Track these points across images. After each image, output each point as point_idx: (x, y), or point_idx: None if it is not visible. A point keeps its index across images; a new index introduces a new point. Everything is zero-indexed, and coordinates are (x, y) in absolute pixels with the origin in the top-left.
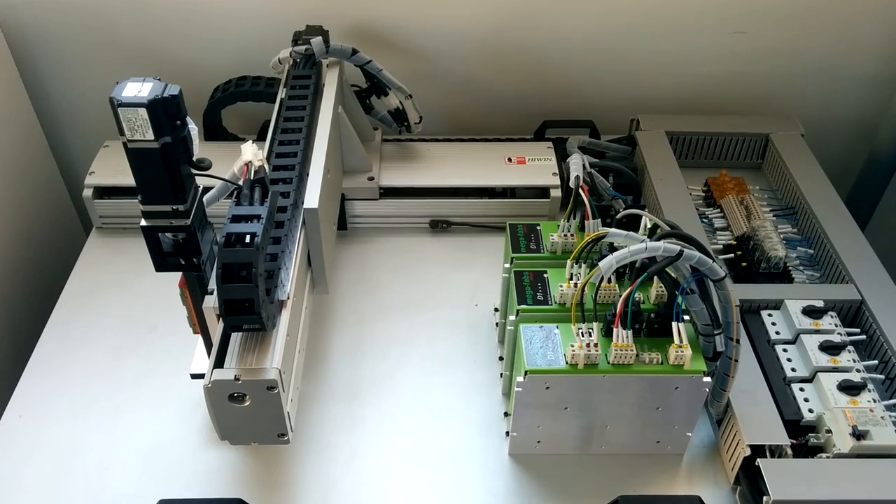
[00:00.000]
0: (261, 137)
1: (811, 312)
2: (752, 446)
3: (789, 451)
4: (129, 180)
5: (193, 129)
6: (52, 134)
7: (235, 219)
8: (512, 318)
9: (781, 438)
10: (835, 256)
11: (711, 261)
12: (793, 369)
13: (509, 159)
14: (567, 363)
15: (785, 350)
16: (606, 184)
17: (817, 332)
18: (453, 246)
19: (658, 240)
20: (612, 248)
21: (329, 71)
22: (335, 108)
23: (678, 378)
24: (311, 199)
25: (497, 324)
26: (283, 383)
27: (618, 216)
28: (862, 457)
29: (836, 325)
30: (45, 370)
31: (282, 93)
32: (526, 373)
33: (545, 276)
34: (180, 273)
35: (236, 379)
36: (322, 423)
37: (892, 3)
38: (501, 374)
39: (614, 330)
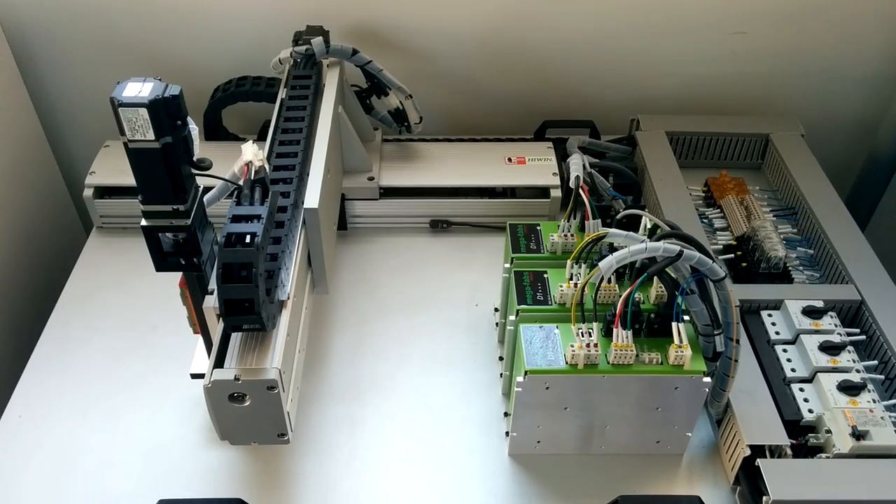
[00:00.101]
0: (261, 137)
1: (811, 313)
2: (751, 446)
3: (789, 452)
4: (129, 180)
5: (194, 129)
6: (52, 134)
7: (236, 219)
8: (512, 318)
9: (781, 438)
10: (835, 257)
11: (711, 261)
12: (793, 369)
13: (509, 159)
14: (567, 363)
15: (785, 350)
16: (606, 184)
17: (817, 332)
18: (453, 246)
19: (658, 240)
20: (612, 249)
21: (329, 71)
22: (335, 108)
23: (678, 378)
24: (312, 199)
25: (497, 324)
26: (283, 383)
27: (618, 216)
28: (862, 457)
29: (836, 326)
30: (45, 370)
31: (282, 93)
32: (526, 373)
33: (545, 276)
34: (180, 273)
35: (236, 379)
36: (322, 423)
37: (892, 3)
38: (501, 374)
39: (614, 330)
